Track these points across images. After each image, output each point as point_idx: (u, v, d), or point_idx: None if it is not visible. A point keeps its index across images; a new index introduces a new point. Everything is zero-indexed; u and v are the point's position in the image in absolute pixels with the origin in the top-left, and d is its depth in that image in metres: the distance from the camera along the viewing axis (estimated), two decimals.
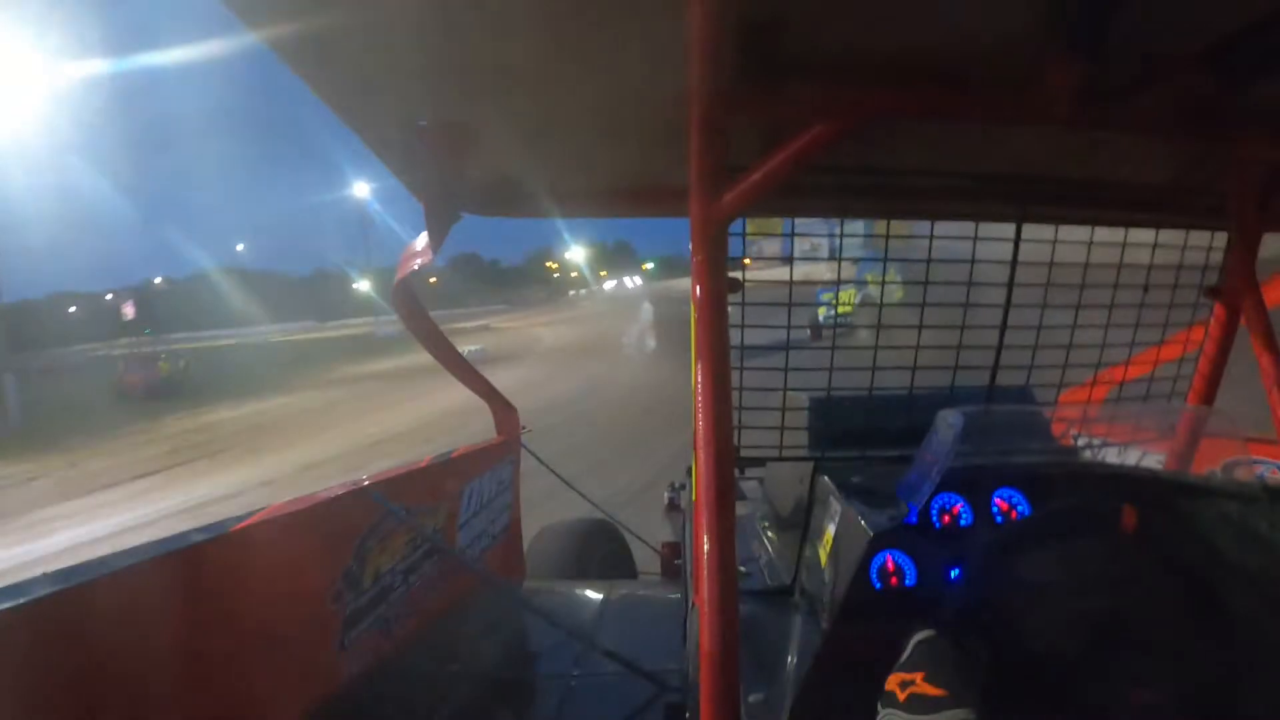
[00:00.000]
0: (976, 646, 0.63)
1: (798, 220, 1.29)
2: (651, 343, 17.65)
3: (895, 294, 1.29)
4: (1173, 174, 1.26)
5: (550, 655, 1.62)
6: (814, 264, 1.41)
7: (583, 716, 1.41)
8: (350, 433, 10.67)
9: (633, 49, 0.80)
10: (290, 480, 7.98)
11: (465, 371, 2.00)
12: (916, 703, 0.58)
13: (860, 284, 1.51)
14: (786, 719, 0.87)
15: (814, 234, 1.31)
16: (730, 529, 0.71)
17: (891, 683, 0.61)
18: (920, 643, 0.63)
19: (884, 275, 1.29)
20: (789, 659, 0.97)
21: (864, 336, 1.26)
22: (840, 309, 1.32)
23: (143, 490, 8.46)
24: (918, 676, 0.59)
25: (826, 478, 1.05)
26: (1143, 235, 1.31)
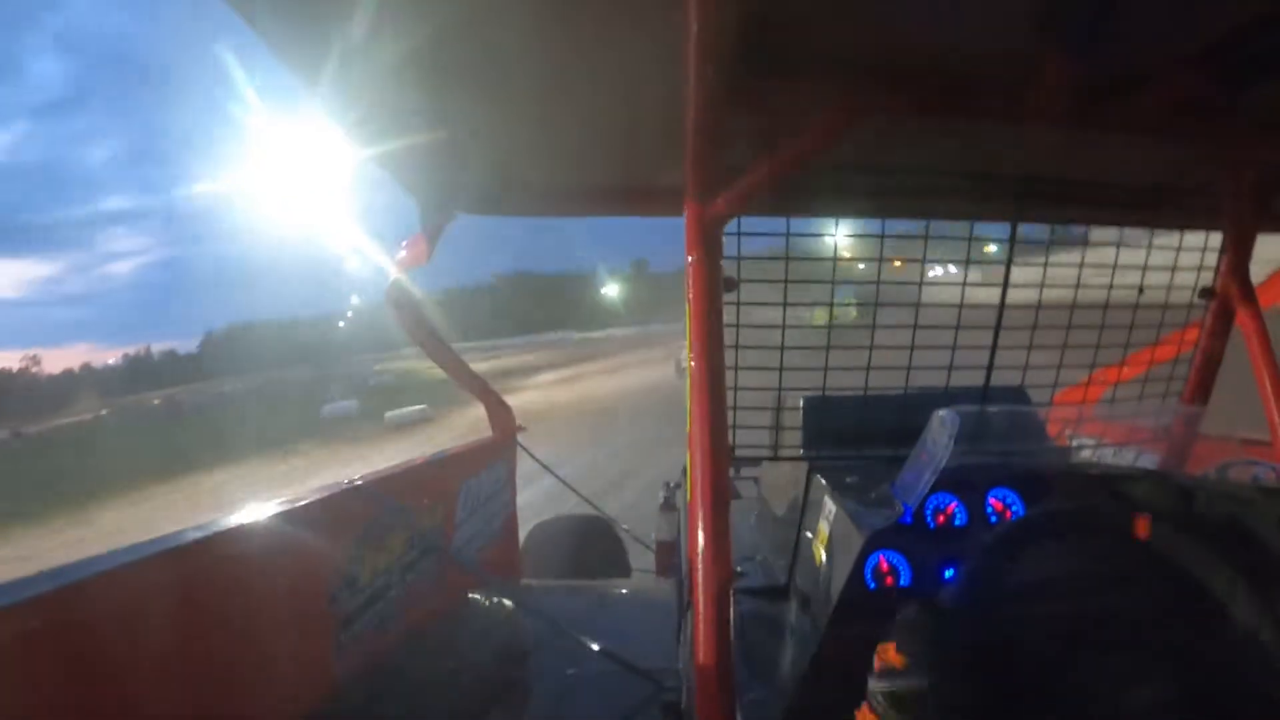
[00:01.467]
0: (960, 622, 0.65)
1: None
2: None
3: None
4: (1168, 175, 1.27)
5: (546, 654, 1.61)
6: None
7: (579, 715, 1.41)
8: None
9: (630, 48, 0.80)
10: None
11: (460, 369, 2.00)
12: (884, 671, 0.61)
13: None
14: (782, 717, 0.87)
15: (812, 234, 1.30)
16: (725, 528, 0.71)
17: (877, 652, 0.64)
18: (903, 617, 0.65)
19: (878, 276, 1.28)
20: (784, 658, 0.97)
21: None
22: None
23: None
24: (890, 647, 0.62)
25: (821, 477, 1.05)
26: (1138, 236, 1.31)
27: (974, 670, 0.62)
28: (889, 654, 0.62)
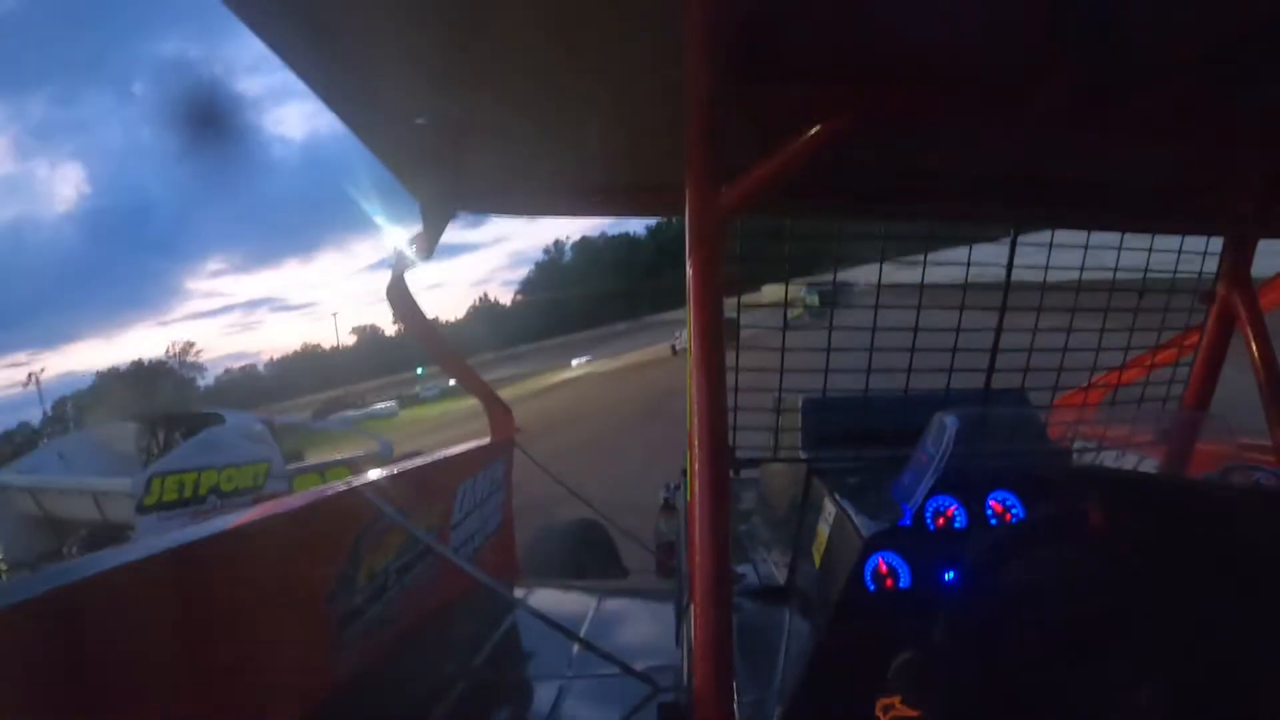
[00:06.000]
0: (961, 662, 0.63)
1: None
2: None
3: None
4: (1169, 177, 1.27)
5: (545, 655, 1.61)
6: None
7: (577, 716, 1.40)
8: None
9: (631, 47, 0.80)
10: None
11: (461, 369, 2.00)
12: None
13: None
14: (781, 719, 0.87)
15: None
16: (725, 529, 0.71)
17: (877, 708, 0.63)
18: (900, 665, 0.63)
19: (879, 277, 1.28)
20: (783, 660, 0.97)
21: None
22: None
23: None
24: (896, 700, 0.62)
25: (821, 479, 1.05)
26: (1139, 240, 1.31)
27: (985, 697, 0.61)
28: (899, 709, 0.61)
